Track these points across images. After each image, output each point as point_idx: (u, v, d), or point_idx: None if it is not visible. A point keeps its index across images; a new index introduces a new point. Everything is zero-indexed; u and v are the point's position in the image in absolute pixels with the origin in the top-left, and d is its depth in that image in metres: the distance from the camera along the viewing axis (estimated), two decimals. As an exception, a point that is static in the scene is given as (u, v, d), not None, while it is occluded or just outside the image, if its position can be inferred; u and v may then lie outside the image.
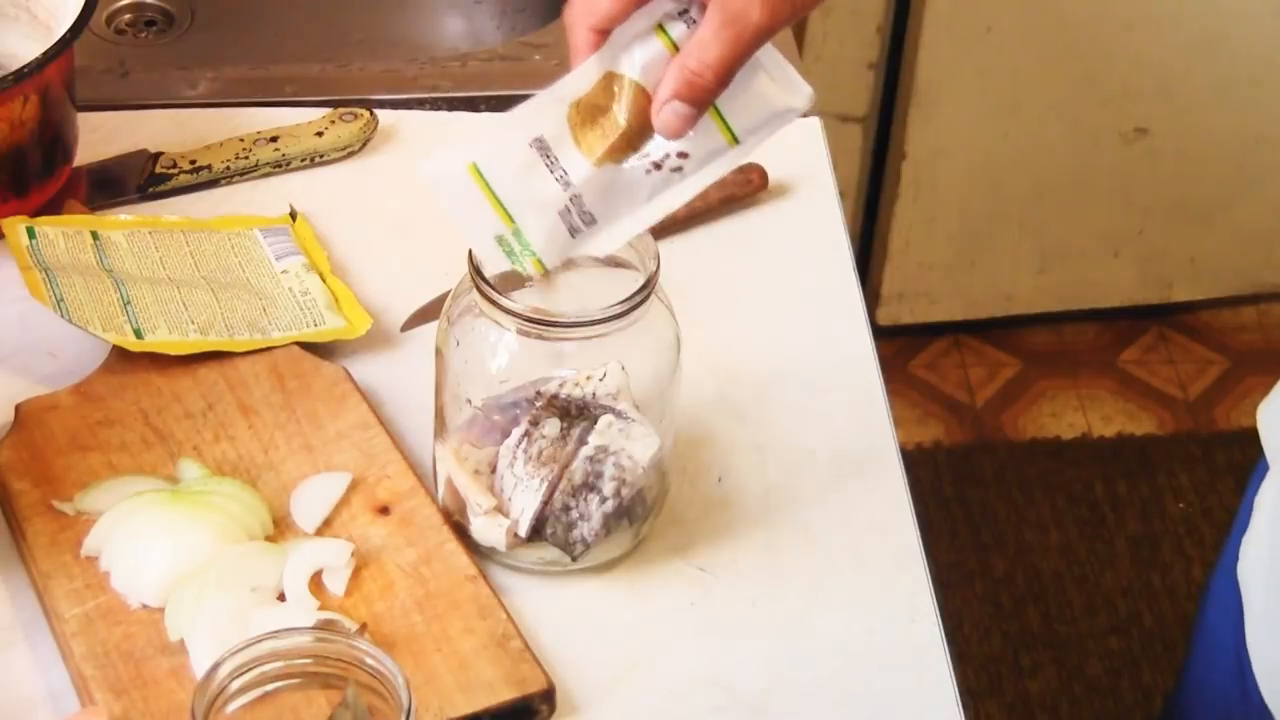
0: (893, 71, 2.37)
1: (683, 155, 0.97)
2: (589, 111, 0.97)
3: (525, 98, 1.42)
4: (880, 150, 2.45)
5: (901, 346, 2.58)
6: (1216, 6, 2.34)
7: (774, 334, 1.26)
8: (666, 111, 0.94)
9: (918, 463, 2.40)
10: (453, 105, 1.43)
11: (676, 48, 0.95)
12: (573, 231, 1.00)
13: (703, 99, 0.94)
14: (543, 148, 0.97)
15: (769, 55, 0.96)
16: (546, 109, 0.97)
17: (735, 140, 0.97)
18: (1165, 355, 2.59)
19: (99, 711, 1.00)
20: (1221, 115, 2.44)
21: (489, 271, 1.05)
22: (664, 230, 1.20)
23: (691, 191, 0.99)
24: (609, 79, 0.96)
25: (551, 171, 0.98)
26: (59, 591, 1.06)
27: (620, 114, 0.96)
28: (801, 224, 1.33)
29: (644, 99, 0.96)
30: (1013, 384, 2.55)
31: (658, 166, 0.98)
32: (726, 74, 0.93)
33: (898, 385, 2.51)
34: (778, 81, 0.95)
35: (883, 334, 2.41)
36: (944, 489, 2.40)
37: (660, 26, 0.95)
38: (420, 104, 1.42)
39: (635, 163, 0.98)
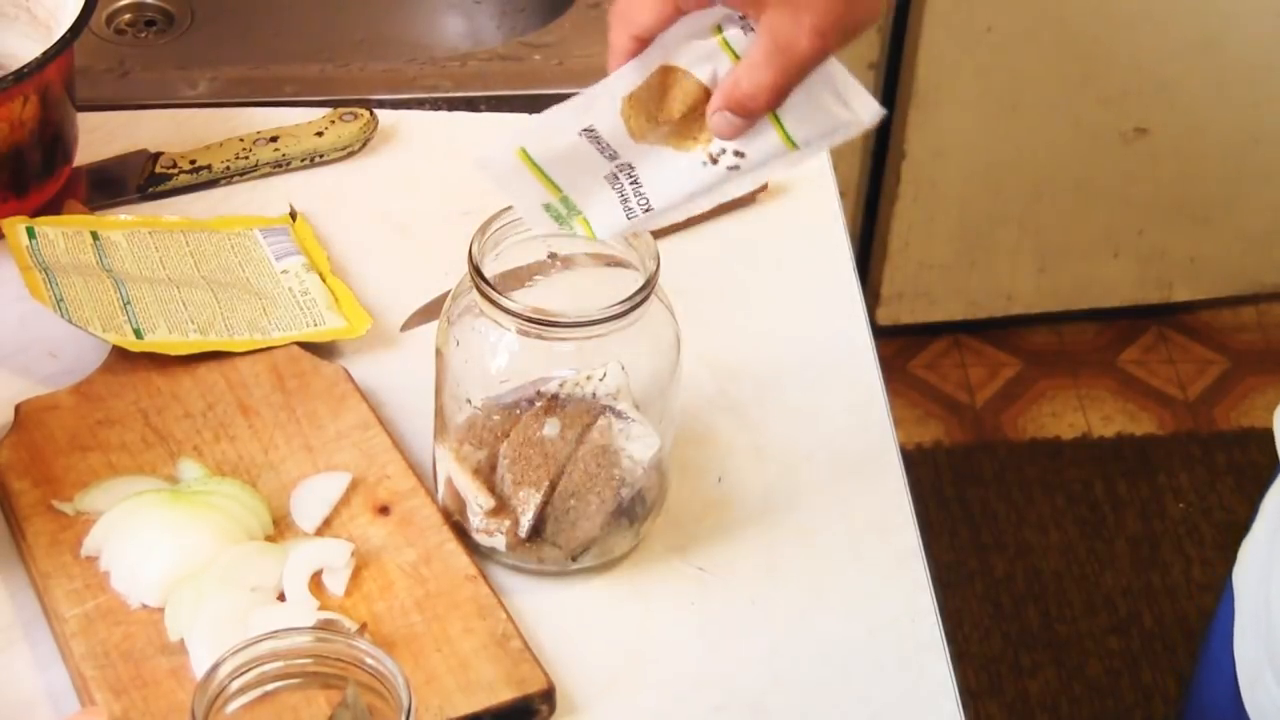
0: (893, 71, 2.37)
1: (739, 154, 0.97)
2: (641, 103, 0.97)
3: (525, 98, 1.43)
4: (880, 150, 2.45)
5: (901, 346, 2.58)
6: (1216, 6, 2.34)
7: (774, 334, 1.26)
8: (718, 119, 0.95)
9: (918, 463, 2.40)
10: (453, 105, 1.43)
11: (732, 50, 0.94)
12: (628, 213, 1.00)
13: (754, 116, 0.94)
14: (594, 137, 0.97)
15: (835, 70, 0.95)
16: (598, 103, 0.97)
17: (794, 145, 0.97)
18: (1165, 355, 2.59)
19: (99, 711, 1.00)
20: (1221, 115, 2.44)
21: (490, 271, 1.05)
22: (664, 230, 1.20)
23: (748, 186, 0.99)
24: (664, 72, 0.96)
25: (602, 153, 0.98)
26: (59, 591, 1.06)
27: (675, 104, 0.96)
28: (801, 224, 1.33)
29: (700, 93, 0.96)
30: (1013, 384, 2.55)
31: (714, 160, 0.98)
32: (777, 97, 0.93)
33: (898, 385, 2.51)
34: (841, 98, 0.95)
35: (883, 334, 2.40)
36: (944, 489, 2.40)
37: (718, 27, 0.95)
38: (420, 104, 1.42)
39: (691, 153, 0.98)
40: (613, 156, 0.98)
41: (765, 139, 0.96)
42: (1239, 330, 2.63)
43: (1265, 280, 2.62)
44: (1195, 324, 2.63)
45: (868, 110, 0.95)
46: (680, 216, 1.02)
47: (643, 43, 0.95)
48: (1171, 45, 2.36)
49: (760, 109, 0.94)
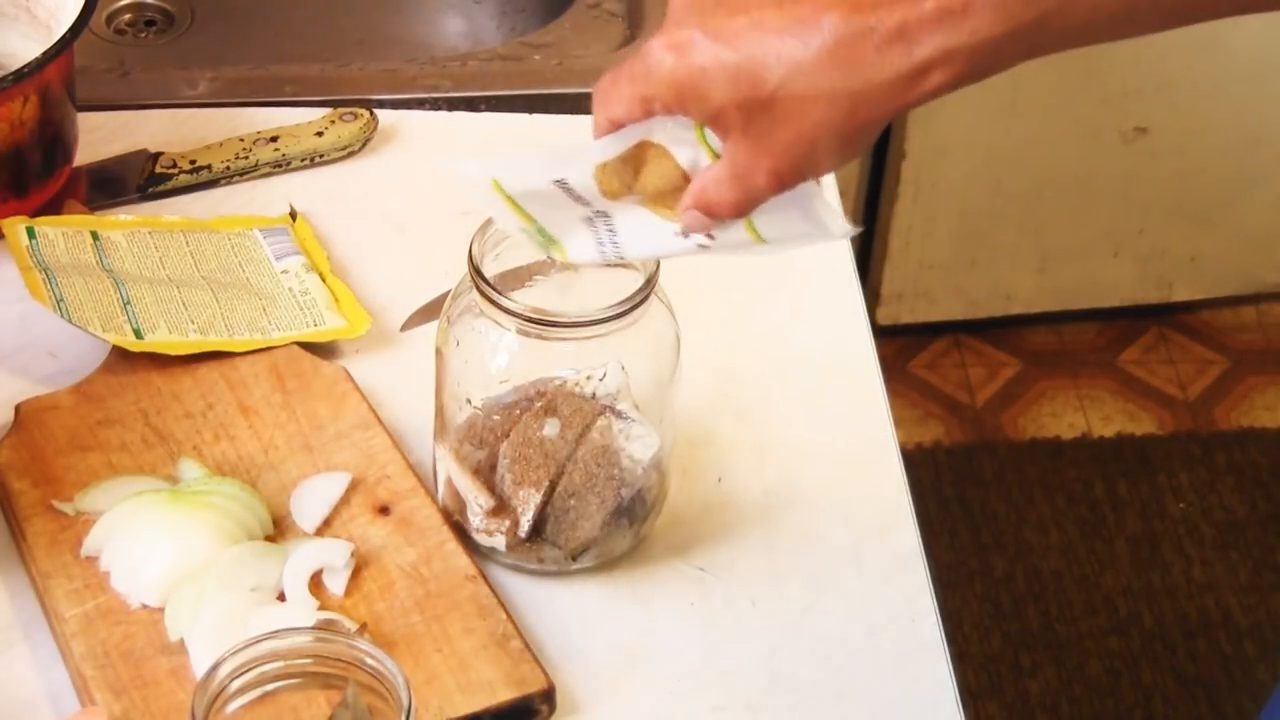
0: (893, 71, 2.37)
1: (710, 236, 0.97)
2: (615, 171, 0.96)
3: (525, 98, 1.43)
4: (880, 150, 2.45)
5: (901, 346, 2.58)
6: (1216, 6, 2.34)
7: (774, 334, 1.26)
8: (687, 216, 0.95)
9: (918, 463, 2.40)
10: (453, 105, 1.43)
11: (710, 147, 0.94)
12: (602, 255, 0.99)
13: (719, 220, 0.95)
14: (567, 189, 0.97)
15: (807, 193, 0.94)
16: (572, 161, 0.97)
17: (763, 240, 0.97)
18: (1165, 355, 2.59)
19: (99, 711, 1.00)
20: (1221, 115, 2.44)
21: (490, 271, 1.05)
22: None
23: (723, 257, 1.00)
24: (643, 146, 0.96)
25: (577, 201, 0.98)
26: (59, 591, 1.06)
27: (651, 178, 0.96)
28: (801, 224, 1.33)
29: (678, 175, 0.95)
30: (1013, 384, 2.55)
31: (685, 234, 0.97)
32: (739, 213, 0.94)
33: (898, 385, 2.51)
34: (810, 216, 0.95)
35: (883, 334, 2.40)
36: (944, 489, 2.40)
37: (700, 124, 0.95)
38: (420, 104, 1.42)
39: (666, 220, 0.97)
40: (587, 204, 0.98)
41: (735, 230, 0.96)
42: (1239, 330, 2.63)
43: (1265, 280, 2.62)
44: (1195, 324, 2.63)
45: (838, 228, 0.95)
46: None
47: (619, 127, 0.95)
48: (1171, 45, 2.36)
49: (723, 217, 0.94)
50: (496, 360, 1.07)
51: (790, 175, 0.91)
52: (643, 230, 0.98)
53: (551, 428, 1.07)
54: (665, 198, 0.96)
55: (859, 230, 0.95)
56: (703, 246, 0.97)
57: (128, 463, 1.13)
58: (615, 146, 0.95)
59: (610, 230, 0.98)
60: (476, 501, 1.09)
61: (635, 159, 0.95)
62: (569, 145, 0.96)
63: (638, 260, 1.02)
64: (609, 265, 1.03)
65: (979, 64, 0.88)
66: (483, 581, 1.08)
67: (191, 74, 1.44)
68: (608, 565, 1.11)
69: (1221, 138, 2.46)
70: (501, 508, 1.09)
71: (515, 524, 1.08)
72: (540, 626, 1.08)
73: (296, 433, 1.15)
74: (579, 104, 1.42)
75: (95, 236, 1.26)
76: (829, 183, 1.36)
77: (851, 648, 1.09)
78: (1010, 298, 2.58)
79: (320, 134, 1.36)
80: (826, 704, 1.06)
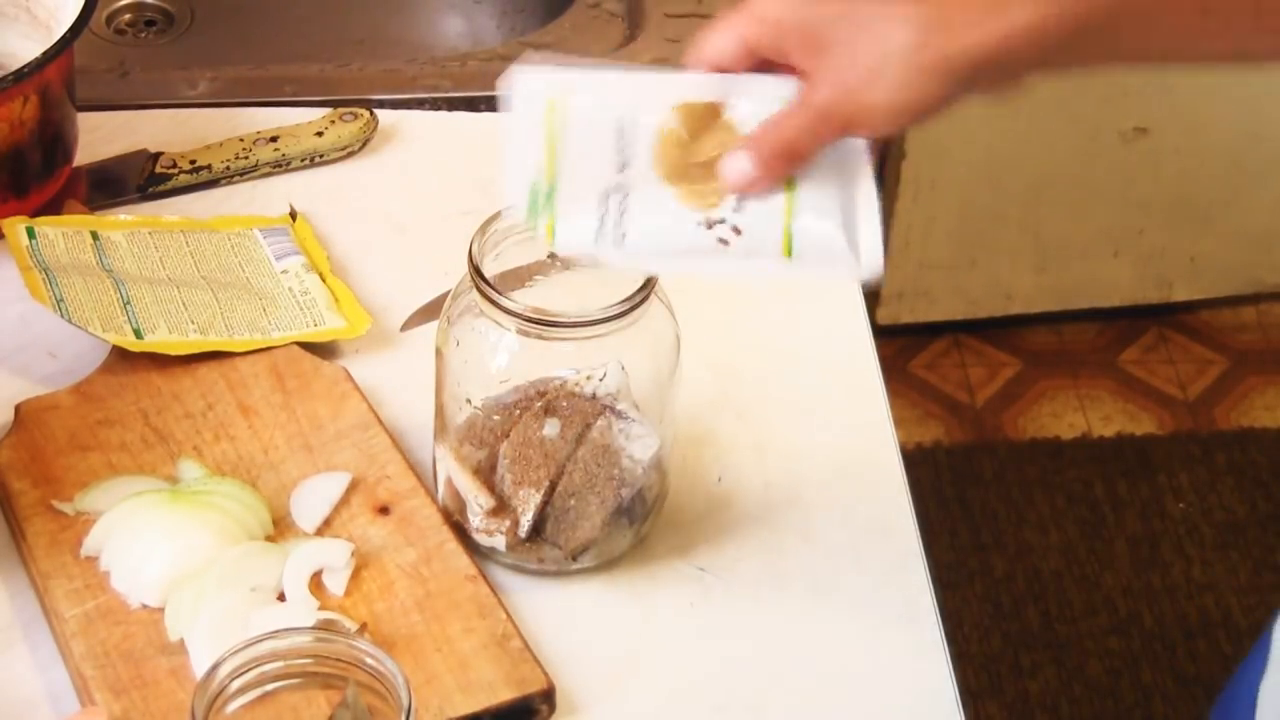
0: (893, 71, 2.37)
1: (736, 230, 0.96)
2: (687, 118, 0.96)
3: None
4: (880, 150, 2.45)
5: (901, 346, 2.58)
6: (1216, 6, 2.34)
7: (774, 334, 1.26)
8: (731, 160, 0.95)
9: (918, 463, 2.40)
10: (453, 105, 1.43)
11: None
12: (599, 237, 0.97)
13: (767, 163, 0.95)
14: (622, 134, 0.96)
15: (860, 191, 0.95)
16: (653, 93, 0.95)
17: (789, 252, 0.96)
18: (1165, 355, 2.59)
19: (99, 711, 1.00)
20: (1221, 115, 2.44)
21: (490, 271, 1.05)
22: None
23: (722, 274, 0.98)
24: (714, 108, 0.95)
25: (618, 154, 0.97)
26: (59, 591, 1.06)
27: (708, 144, 0.96)
28: (801, 224, 1.33)
29: (733, 143, 0.96)
30: (1013, 384, 2.55)
31: (709, 225, 0.97)
32: (790, 150, 0.95)
33: (898, 385, 2.51)
34: (850, 223, 0.94)
35: (883, 334, 2.40)
36: (944, 489, 2.40)
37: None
38: (420, 104, 1.42)
39: (692, 210, 0.97)
40: (619, 170, 0.97)
41: (767, 229, 0.95)
42: (1239, 330, 2.63)
43: (1265, 280, 2.62)
44: (1195, 324, 2.63)
45: (868, 255, 0.95)
46: (638, 273, 1.02)
47: (716, 70, 0.96)
48: (1171, 45, 2.36)
49: (771, 161, 0.94)
50: (496, 360, 1.07)
51: (847, 101, 0.93)
52: (659, 216, 0.97)
53: (551, 428, 1.07)
54: (707, 173, 0.96)
55: (880, 276, 0.96)
56: (722, 242, 0.96)
57: (128, 463, 1.13)
58: (701, 90, 0.95)
59: (623, 209, 0.97)
60: (476, 501, 1.09)
61: (704, 118, 0.95)
62: (658, 74, 0.96)
63: (636, 254, 0.98)
64: (583, 266, 1.02)
65: (1061, 28, 0.91)
66: (483, 581, 1.08)
67: (191, 74, 1.44)
68: (608, 565, 1.11)
69: (1221, 138, 2.46)
70: (501, 508, 1.09)
71: (515, 524, 1.08)
72: (540, 626, 1.08)
73: (296, 433, 1.15)
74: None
75: (95, 236, 1.26)
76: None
77: (851, 648, 1.09)
78: (1010, 297, 2.58)
79: (320, 134, 1.36)
80: (826, 704, 1.06)
